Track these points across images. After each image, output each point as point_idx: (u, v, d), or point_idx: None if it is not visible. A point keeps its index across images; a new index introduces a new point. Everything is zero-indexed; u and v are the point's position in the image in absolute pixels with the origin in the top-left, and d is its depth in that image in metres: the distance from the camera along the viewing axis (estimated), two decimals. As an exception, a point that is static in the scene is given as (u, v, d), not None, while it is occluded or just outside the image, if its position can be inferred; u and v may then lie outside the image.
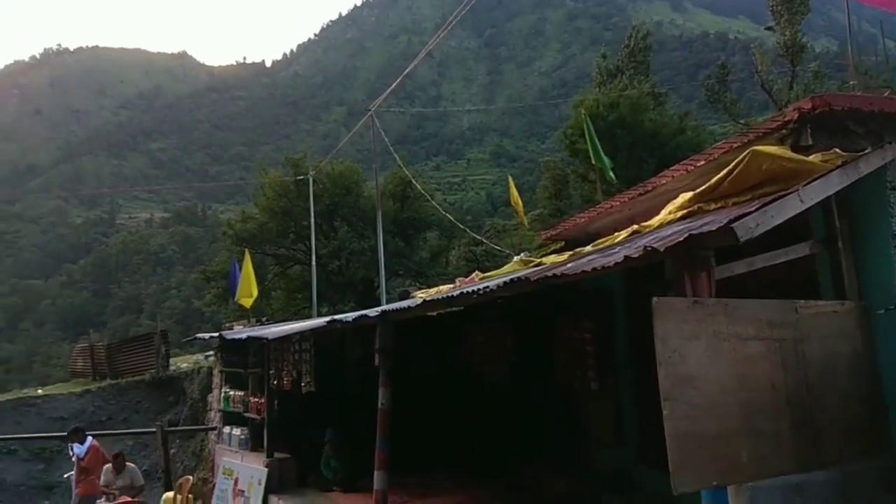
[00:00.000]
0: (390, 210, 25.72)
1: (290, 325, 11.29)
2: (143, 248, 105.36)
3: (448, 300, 5.73)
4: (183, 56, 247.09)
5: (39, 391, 18.86)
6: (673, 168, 6.52)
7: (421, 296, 9.00)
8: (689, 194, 5.05)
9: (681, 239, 3.41)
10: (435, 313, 8.62)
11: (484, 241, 26.79)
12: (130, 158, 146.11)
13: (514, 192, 16.42)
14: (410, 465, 9.89)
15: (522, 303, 7.61)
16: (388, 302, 17.08)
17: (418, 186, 26.01)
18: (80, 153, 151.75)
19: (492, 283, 5.12)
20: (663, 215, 5.24)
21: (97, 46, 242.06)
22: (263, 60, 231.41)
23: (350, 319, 7.45)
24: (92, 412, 16.45)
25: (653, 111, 26.87)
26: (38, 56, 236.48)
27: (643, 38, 31.55)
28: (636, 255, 3.35)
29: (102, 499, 10.52)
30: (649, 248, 3.33)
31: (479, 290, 4.92)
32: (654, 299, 3.46)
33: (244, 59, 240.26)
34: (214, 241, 77.46)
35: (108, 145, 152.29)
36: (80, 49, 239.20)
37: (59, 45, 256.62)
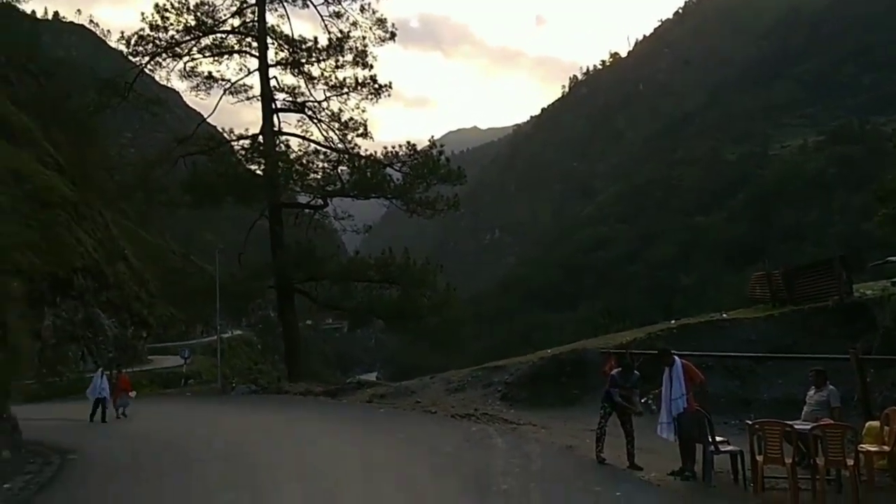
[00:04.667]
0: None
1: None
2: (799, 175, 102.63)
3: None
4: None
5: (725, 315, 20.78)
6: None
7: None
8: None
9: None
10: None
11: None
12: (776, 88, 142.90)
13: None
14: None
15: None
16: None
17: None
18: (726, 93, 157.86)
19: None
20: None
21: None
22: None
23: None
24: (777, 336, 17.15)
25: None
26: (680, 10, 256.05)
27: None
28: None
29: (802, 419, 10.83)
30: None
31: None
32: None
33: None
34: (878, 156, 69.10)
35: (751, 80, 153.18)
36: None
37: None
